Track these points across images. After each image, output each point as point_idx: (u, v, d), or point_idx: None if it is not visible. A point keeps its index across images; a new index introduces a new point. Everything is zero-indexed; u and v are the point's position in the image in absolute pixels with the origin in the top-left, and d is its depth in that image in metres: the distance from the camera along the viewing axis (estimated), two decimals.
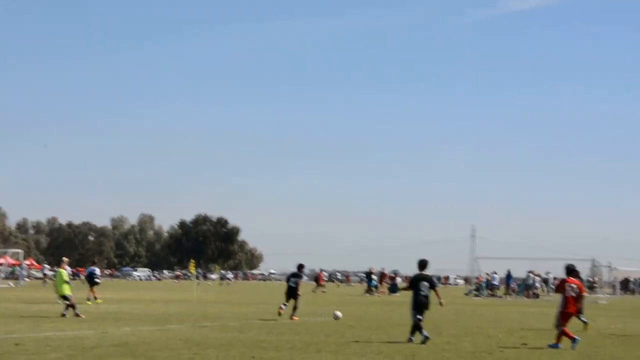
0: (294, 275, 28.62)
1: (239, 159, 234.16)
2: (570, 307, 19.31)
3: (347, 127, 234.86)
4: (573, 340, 18.89)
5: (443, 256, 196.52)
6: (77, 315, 26.73)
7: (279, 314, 27.89)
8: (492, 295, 64.24)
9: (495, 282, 67.34)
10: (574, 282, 19.57)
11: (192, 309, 34.03)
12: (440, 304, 20.13)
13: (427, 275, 20.00)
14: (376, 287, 62.85)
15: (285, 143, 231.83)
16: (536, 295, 63.12)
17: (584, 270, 75.74)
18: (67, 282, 27.52)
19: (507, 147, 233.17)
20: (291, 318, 27.46)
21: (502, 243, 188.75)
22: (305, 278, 28.24)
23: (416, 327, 19.58)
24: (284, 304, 28.16)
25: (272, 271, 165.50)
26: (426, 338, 19.26)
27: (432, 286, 19.87)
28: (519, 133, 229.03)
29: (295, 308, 27.94)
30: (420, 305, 19.69)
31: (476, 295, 63.38)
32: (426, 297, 19.72)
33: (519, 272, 70.97)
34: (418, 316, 19.58)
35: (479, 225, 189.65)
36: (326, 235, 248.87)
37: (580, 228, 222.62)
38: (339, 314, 28.25)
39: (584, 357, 16.93)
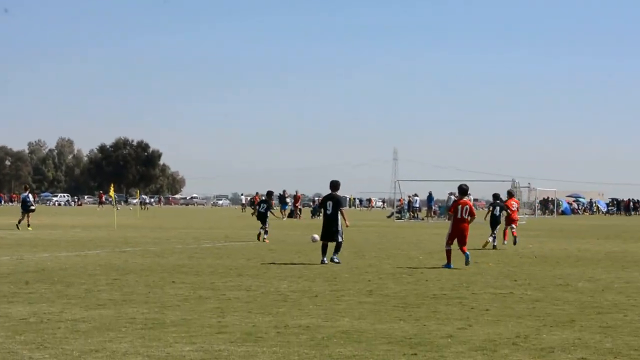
0: (263, 201, 30.18)
1: (160, 84, 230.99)
2: (463, 227, 19.53)
3: (266, 53, 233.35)
4: (447, 265, 19.14)
5: (367, 179, 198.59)
6: None
7: (260, 239, 28.64)
8: (414, 218, 65.08)
9: (417, 205, 68.20)
10: (466, 204, 19.77)
11: (112, 234, 33.62)
12: (346, 225, 20.35)
13: (335, 195, 20.46)
14: (292, 210, 63.11)
15: (208, 68, 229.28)
16: None
17: (504, 192, 76.92)
18: None
19: (428, 66, 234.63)
20: (263, 240, 28.55)
21: (424, 165, 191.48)
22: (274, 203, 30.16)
23: (322, 249, 20.07)
24: (263, 230, 29.05)
25: (195, 195, 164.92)
26: (323, 262, 19.63)
27: (337, 206, 20.17)
28: (436, 51, 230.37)
29: (265, 232, 29.19)
30: (323, 224, 20.37)
31: (398, 218, 64.02)
32: (331, 215, 20.14)
33: (440, 194, 72.02)
34: (323, 239, 20.18)
35: (400, 147, 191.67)
36: (249, 159, 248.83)
37: (501, 149, 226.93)
38: (316, 237, 28.19)
39: (502, 277, 17.17)
